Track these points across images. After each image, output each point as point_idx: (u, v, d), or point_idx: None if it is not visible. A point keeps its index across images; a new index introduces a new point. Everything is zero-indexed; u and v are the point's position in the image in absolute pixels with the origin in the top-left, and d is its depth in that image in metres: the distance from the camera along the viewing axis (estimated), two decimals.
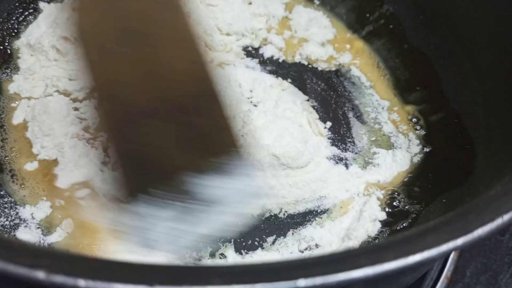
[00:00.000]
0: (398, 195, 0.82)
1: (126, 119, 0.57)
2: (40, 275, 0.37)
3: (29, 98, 0.87)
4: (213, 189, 0.55)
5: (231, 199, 0.55)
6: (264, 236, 0.77)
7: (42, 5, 0.95)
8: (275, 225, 0.79)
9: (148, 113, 0.56)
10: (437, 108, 0.89)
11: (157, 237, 0.53)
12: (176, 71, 0.58)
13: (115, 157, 0.58)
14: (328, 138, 0.89)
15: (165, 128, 0.56)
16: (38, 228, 0.75)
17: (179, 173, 0.54)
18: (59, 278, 0.37)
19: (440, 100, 0.89)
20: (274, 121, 0.81)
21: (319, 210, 0.81)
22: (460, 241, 0.42)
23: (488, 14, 0.78)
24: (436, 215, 0.76)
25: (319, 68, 0.99)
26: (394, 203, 0.82)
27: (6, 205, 0.76)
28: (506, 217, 0.44)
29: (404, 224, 0.78)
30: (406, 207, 0.81)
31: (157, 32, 0.59)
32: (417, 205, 0.80)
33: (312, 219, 0.80)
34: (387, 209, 0.81)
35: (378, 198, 0.82)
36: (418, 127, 0.90)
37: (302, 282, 0.38)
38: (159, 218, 0.53)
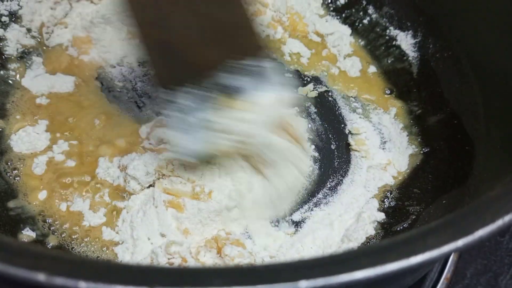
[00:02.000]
0: (398, 196, 0.82)
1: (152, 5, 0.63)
2: (41, 277, 0.37)
3: None
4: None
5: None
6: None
7: None
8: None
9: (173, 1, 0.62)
10: (437, 109, 0.89)
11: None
12: None
13: (145, 52, 0.65)
14: None
15: (189, 17, 0.62)
16: None
17: (205, 70, 0.61)
18: (60, 280, 0.37)
19: (439, 101, 0.89)
20: None
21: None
22: (461, 242, 0.42)
23: (488, 14, 0.78)
24: (436, 216, 0.76)
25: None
26: (394, 204, 0.81)
27: None
28: (507, 218, 0.44)
29: (403, 226, 0.78)
30: (406, 208, 0.80)
31: None
32: (417, 206, 0.80)
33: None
34: (386, 210, 0.80)
35: (377, 199, 0.81)
36: (417, 128, 0.90)
37: (303, 283, 0.38)
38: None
